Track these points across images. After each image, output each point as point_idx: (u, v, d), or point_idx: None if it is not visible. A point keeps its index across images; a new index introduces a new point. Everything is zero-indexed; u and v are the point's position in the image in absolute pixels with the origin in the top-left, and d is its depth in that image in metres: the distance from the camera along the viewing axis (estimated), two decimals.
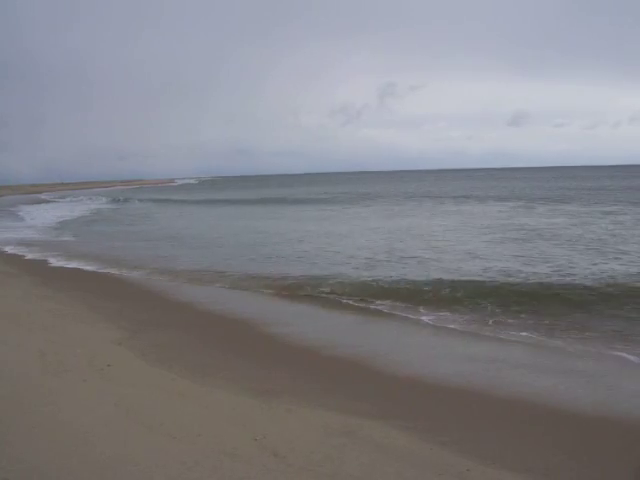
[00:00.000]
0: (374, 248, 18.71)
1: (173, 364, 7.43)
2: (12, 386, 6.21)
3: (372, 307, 11.17)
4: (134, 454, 4.67)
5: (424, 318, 10.22)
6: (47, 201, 64.61)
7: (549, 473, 4.77)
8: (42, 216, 39.03)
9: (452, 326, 9.65)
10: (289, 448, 4.93)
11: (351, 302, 11.55)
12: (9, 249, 20.37)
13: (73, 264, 16.67)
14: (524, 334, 8.98)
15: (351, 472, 4.56)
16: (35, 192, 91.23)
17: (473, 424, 5.77)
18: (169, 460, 4.59)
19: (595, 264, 14.43)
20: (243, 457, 4.72)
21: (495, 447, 5.20)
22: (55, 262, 17.11)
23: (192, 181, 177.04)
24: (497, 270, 13.94)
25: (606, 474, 4.82)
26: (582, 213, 29.40)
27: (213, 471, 4.45)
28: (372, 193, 61.89)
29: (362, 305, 11.35)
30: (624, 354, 7.92)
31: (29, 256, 18.59)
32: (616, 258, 15.26)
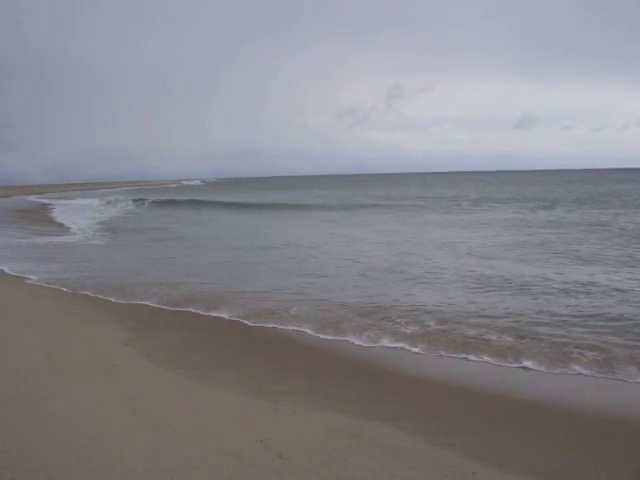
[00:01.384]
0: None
1: (179, 364, 7.46)
2: (19, 385, 6.24)
3: None
4: (140, 454, 4.68)
5: None
6: (58, 203, 57.40)
7: (556, 476, 4.76)
8: (82, 222, 33.71)
9: None
10: (294, 449, 4.94)
11: None
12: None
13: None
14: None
15: (357, 474, 4.55)
16: (41, 193, 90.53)
17: (480, 427, 5.75)
18: (175, 460, 4.60)
19: None
20: (248, 458, 4.73)
21: (502, 450, 5.19)
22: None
23: (197, 182, 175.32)
24: None
25: (613, 477, 4.80)
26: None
27: (218, 471, 4.46)
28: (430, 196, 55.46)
29: None
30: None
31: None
32: None
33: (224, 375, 7.14)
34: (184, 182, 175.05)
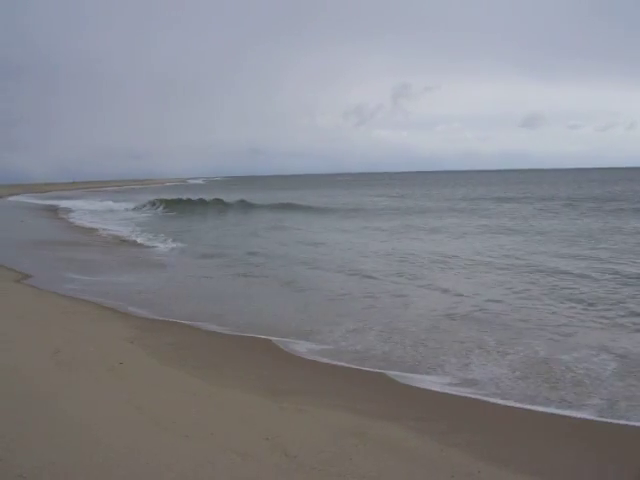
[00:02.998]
0: None
1: (185, 363, 7.47)
2: (26, 383, 6.27)
3: None
4: (146, 452, 4.70)
5: None
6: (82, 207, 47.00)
7: (559, 476, 4.75)
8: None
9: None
10: (300, 448, 4.94)
11: None
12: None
13: None
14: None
15: (361, 472, 4.56)
16: (47, 191, 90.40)
17: (485, 426, 5.75)
18: (180, 458, 4.62)
19: None
20: (254, 456, 4.74)
21: (506, 449, 5.18)
22: None
23: (200, 181, 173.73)
24: None
25: (616, 476, 4.79)
26: None
27: (224, 470, 4.47)
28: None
29: None
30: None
31: None
32: None
33: (230, 374, 7.15)
34: (191, 181, 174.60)
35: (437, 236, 23.17)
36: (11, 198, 67.35)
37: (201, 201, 47.05)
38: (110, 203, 49.87)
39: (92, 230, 27.54)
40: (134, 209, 44.92)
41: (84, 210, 42.93)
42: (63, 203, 50.80)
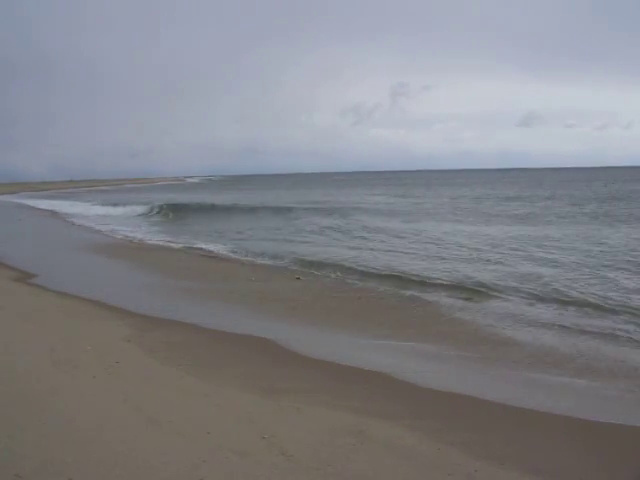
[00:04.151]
0: None
1: (182, 362, 7.44)
2: (23, 383, 6.26)
3: None
4: (142, 451, 4.70)
5: None
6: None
7: (557, 474, 4.74)
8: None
9: None
10: (297, 447, 4.93)
11: None
12: None
13: None
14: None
15: (359, 472, 4.55)
16: (44, 189, 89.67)
17: (482, 425, 5.74)
18: (177, 457, 4.61)
19: None
20: (251, 455, 4.73)
21: (503, 448, 5.17)
22: None
23: (196, 180, 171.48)
24: None
25: (614, 476, 4.79)
26: None
27: (221, 469, 4.47)
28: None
29: None
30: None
31: None
32: None
33: (227, 372, 7.13)
34: (188, 180, 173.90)
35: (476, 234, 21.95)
36: (1, 197, 63.62)
37: (212, 205, 41.81)
38: (110, 204, 44.69)
39: (107, 232, 25.53)
40: (146, 213, 38.84)
41: (95, 214, 38.06)
42: (67, 206, 45.83)
